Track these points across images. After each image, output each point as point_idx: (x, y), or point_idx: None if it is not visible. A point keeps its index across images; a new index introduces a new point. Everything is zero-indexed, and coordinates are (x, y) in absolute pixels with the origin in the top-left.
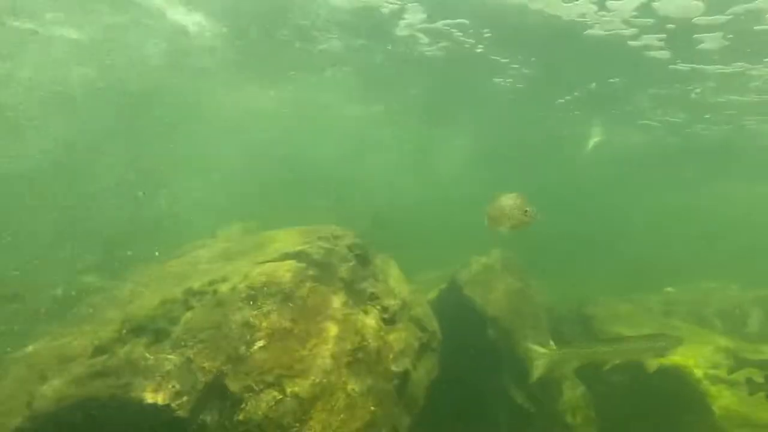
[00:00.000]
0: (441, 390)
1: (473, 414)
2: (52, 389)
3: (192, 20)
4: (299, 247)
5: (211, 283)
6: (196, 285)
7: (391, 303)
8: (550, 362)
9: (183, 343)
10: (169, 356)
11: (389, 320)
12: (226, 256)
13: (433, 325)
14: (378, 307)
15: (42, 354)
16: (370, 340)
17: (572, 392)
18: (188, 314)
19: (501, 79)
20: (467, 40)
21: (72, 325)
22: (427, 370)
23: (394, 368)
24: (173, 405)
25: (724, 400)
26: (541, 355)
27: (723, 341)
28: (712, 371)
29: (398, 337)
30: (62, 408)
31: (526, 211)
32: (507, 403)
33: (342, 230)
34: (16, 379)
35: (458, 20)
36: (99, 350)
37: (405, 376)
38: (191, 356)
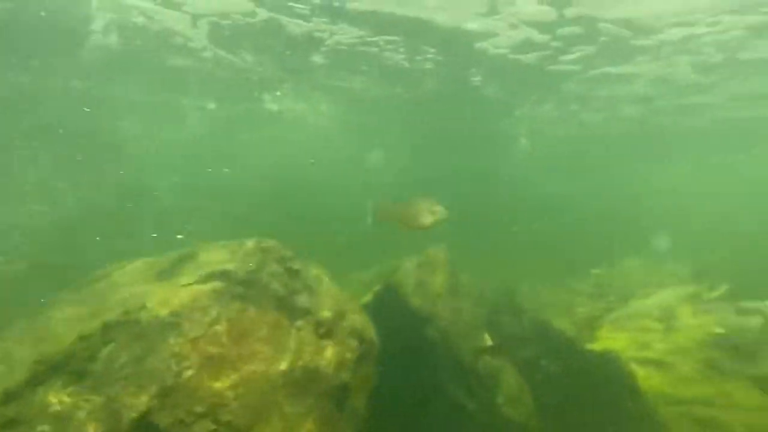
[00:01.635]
0: (382, 397)
1: (415, 417)
2: None
3: None
4: (225, 266)
5: (128, 312)
6: (113, 315)
7: (326, 316)
8: (488, 356)
9: (103, 381)
10: (89, 397)
11: (324, 334)
12: (147, 279)
13: (370, 333)
14: (312, 321)
15: None
16: (305, 358)
17: (510, 384)
18: (107, 349)
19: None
20: None
21: None
22: (366, 380)
23: (332, 384)
24: None
25: (652, 380)
26: (477, 350)
27: (651, 321)
28: (640, 354)
29: (334, 351)
30: None
31: (434, 211)
32: (448, 401)
33: (270, 242)
34: None
35: None
36: (9, 396)
37: (344, 390)
38: (113, 395)
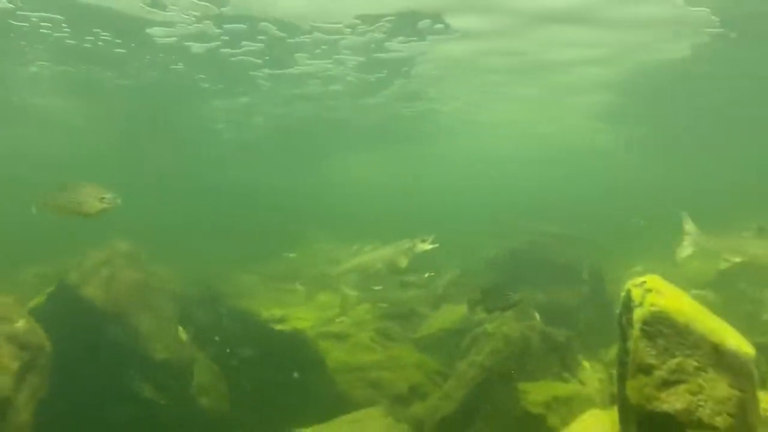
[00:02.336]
0: (55, 406)
1: (102, 420)
2: None
3: None
4: None
5: None
6: None
7: None
8: (179, 349)
9: None
10: None
11: None
12: None
13: (39, 338)
14: None
15: None
16: None
17: (203, 373)
18: None
19: None
20: None
21: None
22: (32, 391)
23: None
24: None
25: (335, 352)
26: (169, 344)
27: (332, 298)
28: (325, 329)
29: None
30: None
31: (102, 198)
32: (136, 399)
33: None
34: None
35: None
36: None
37: (4, 405)
38: None
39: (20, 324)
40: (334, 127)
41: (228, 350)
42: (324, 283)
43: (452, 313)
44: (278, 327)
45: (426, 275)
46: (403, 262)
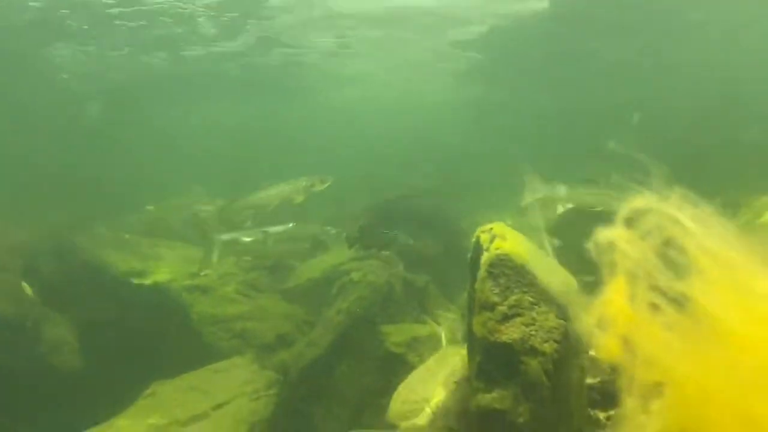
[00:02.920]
0: None
1: None
2: None
3: None
4: None
5: None
6: None
7: None
8: (23, 306)
9: None
10: None
11: None
12: None
13: None
14: None
15: None
16: None
17: (53, 331)
18: None
19: None
20: None
21: None
22: None
23: None
24: None
25: (199, 305)
26: (10, 303)
27: (195, 251)
28: (188, 282)
29: None
30: None
31: None
32: None
33: None
34: None
35: None
36: None
37: None
38: None
39: None
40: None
41: (82, 306)
42: (188, 236)
43: (321, 263)
44: (138, 281)
45: (291, 225)
46: (299, 199)
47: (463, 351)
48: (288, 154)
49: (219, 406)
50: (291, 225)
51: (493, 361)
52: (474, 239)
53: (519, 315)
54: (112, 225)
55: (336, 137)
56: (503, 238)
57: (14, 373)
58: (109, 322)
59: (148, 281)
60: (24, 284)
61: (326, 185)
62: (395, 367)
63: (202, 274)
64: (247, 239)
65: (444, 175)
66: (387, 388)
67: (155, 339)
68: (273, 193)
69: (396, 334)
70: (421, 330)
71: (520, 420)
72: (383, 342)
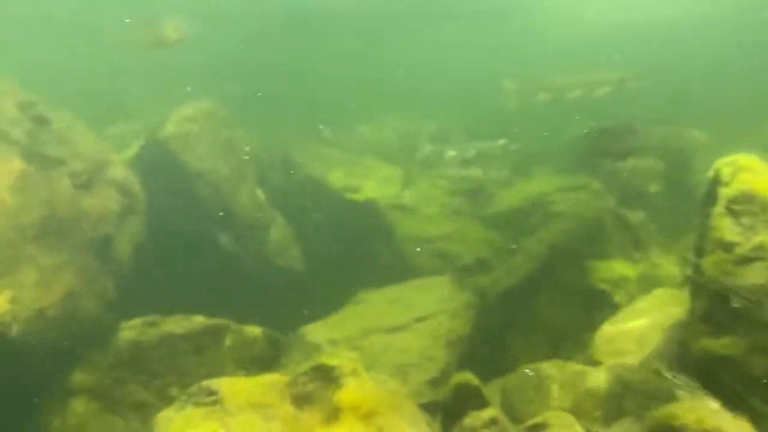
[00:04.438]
0: (149, 250)
1: (189, 266)
2: None
3: None
4: None
5: None
6: None
7: (82, 167)
8: (258, 209)
9: None
10: None
11: (82, 185)
12: None
13: (134, 186)
14: (66, 172)
15: None
16: (60, 209)
17: (279, 234)
18: None
19: None
20: None
21: None
22: (131, 233)
23: (93, 235)
24: None
25: (403, 224)
26: (249, 204)
27: (403, 172)
28: (394, 201)
29: (94, 203)
30: None
31: (177, 27)
32: (220, 251)
33: (7, 84)
34: None
35: None
36: None
37: (107, 242)
38: None
39: (118, 170)
40: None
41: (303, 215)
42: (397, 158)
43: (523, 192)
44: (350, 196)
45: (500, 143)
46: (603, 92)
47: (681, 294)
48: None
49: (420, 320)
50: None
51: (723, 306)
52: (712, 173)
53: (762, 259)
54: (331, 141)
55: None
56: (751, 171)
57: (245, 266)
58: (325, 232)
59: (360, 197)
60: (259, 191)
61: (639, 82)
62: (599, 304)
63: (408, 194)
64: (452, 159)
65: (676, 102)
66: (589, 324)
67: (363, 251)
68: (579, 79)
69: (603, 271)
70: (632, 269)
71: (756, 373)
72: (587, 277)
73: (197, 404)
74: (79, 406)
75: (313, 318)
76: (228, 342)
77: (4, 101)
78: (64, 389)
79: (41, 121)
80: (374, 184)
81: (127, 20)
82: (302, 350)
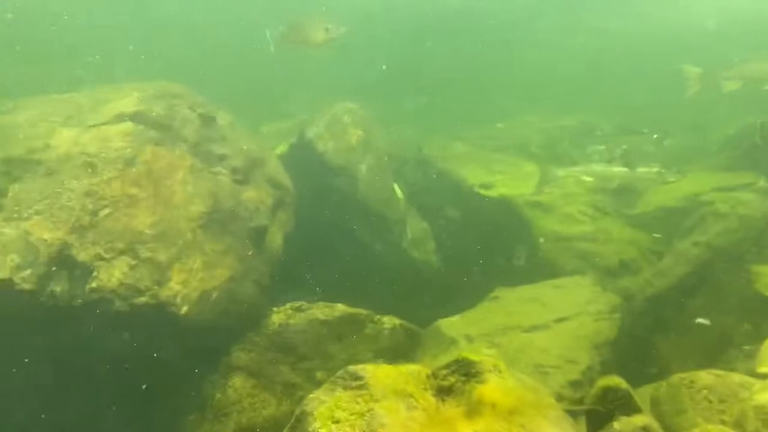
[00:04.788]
0: (297, 240)
1: (328, 257)
2: None
3: None
4: (135, 107)
5: (33, 150)
6: (17, 152)
7: (241, 163)
8: (395, 204)
9: (17, 215)
10: (3, 230)
11: (241, 180)
12: (48, 117)
13: (286, 180)
14: (229, 167)
15: None
16: (223, 201)
17: (416, 228)
18: (17, 185)
19: None
20: None
21: None
22: (282, 224)
23: (250, 225)
24: (15, 279)
25: (541, 222)
26: (386, 199)
27: (543, 168)
28: (531, 198)
29: (252, 196)
30: None
31: (327, 28)
32: (358, 244)
33: (180, 87)
34: None
35: None
36: None
37: (262, 231)
38: (28, 228)
39: (272, 166)
40: None
41: (436, 211)
42: (537, 155)
43: (675, 191)
44: (485, 192)
45: (652, 137)
46: None
47: None
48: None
49: (560, 320)
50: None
51: None
52: None
53: None
54: (463, 137)
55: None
56: None
57: (382, 258)
58: (459, 228)
59: (495, 193)
60: (396, 186)
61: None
62: (765, 312)
63: (546, 191)
64: (598, 154)
65: None
66: (753, 334)
67: (498, 249)
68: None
69: None
70: None
71: None
72: (753, 282)
73: (345, 387)
74: (237, 382)
75: (448, 313)
76: (367, 331)
77: (178, 102)
78: (225, 366)
79: (208, 121)
80: (511, 180)
81: (277, 22)
82: (438, 344)
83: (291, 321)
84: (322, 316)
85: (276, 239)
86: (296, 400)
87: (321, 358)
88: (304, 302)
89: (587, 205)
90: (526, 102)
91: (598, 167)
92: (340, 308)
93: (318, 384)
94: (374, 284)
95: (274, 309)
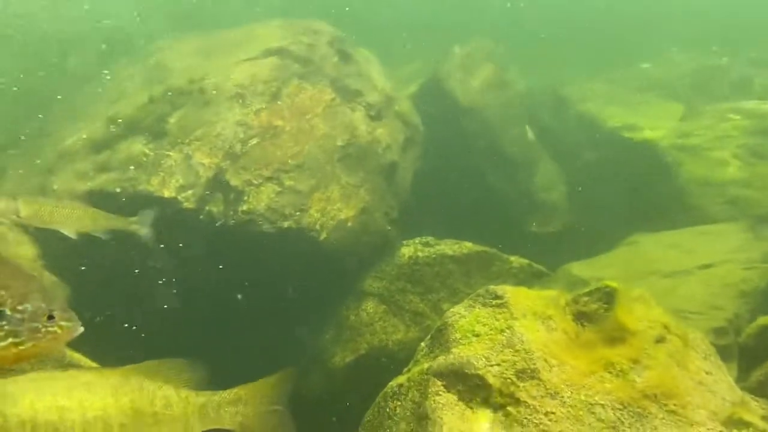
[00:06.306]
0: (424, 178)
1: (456, 196)
2: (60, 183)
3: None
4: (280, 43)
5: (192, 81)
6: (177, 83)
7: (376, 99)
8: (525, 146)
9: (180, 141)
10: (169, 153)
11: (375, 116)
12: (203, 53)
13: (416, 119)
14: (364, 104)
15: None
16: (359, 136)
17: (546, 171)
18: (178, 113)
19: None
20: None
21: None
22: (411, 161)
23: (382, 161)
24: (180, 197)
25: (689, 166)
26: (517, 141)
27: (692, 110)
28: (679, 141)
29: (384, 132)
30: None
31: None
32: (486, 185)
33: (321, 24)
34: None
35: None
36: (99, 146)
37: (393, 167)
38: (190, 153)
39: (404, 104)
40: None
41: (571, 155)
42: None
43: None
44: (627, 134)
45: None
46: None
47: None
48: None
49: (704, 267)
50: None
51: None
52: None
53: None
54: (606, 78)
55: None
56: None
57: (509, 199)
58: (596, 172)
59: (638, 136)
60: (528, 128)
61: None
62: None
63: (696, 133)
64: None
65: None
66: None
67: (638, 193)
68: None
69: None
70: None
71: None
72: None
73: (485, 305)
74: (369, 306)
75: (579, 258)
76: (494, 269)
77: (319, 39)
78: (359, 291)
79: (345, 56)
80: (656, 122)
81: None
82: (568, 286)
83: (420, 254)
84: (450, 252)
85: (406, 176)
86: (424, 328)
87: (447, 291)
88: (432, 237)
89: (742, 148)
90: (674, 41)
91: (756, 105)
92: (468, 245)
93: None
94: (501, 226)
95: (404, 242)
